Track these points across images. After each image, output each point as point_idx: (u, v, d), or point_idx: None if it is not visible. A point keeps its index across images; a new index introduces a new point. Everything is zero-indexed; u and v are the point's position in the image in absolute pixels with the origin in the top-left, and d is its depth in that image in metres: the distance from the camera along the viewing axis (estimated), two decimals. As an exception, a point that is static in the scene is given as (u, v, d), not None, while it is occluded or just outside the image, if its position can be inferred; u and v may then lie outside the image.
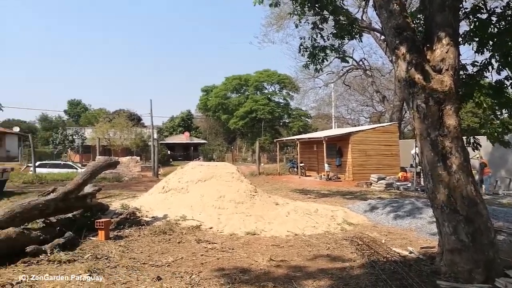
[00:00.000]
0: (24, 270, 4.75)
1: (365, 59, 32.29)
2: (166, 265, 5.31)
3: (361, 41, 9.65)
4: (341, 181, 20.26)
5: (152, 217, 8.32)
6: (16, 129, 51.08)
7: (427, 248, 6.38)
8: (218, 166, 10.88)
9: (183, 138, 53.63)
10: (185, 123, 60.34)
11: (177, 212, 8.51)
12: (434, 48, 4.92)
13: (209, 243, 6.60)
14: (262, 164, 30.28)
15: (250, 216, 8.39)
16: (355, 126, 37.09)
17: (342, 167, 21.04)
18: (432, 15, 5.03)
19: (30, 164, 25.31)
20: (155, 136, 32.91)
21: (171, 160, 44.83)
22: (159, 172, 24.96)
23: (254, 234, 7.39)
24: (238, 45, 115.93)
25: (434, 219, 5.20)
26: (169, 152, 49.08)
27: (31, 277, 4.48)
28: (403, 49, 4.86)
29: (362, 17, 24.75)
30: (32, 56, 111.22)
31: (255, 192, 9.84)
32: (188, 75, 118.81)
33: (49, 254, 5.30)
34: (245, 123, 51.86)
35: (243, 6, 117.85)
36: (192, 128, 60.56)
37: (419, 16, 6.52)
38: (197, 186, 9.61)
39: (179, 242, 6.63)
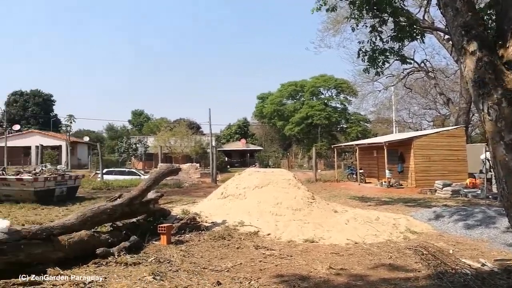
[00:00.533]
0: (95, 271, 5.04)
1: (427, 61, 30.83)
2: (226, 270, 5.37)
3: (423, 42, 9.24)
4: (403, 188, 19.39)
5: (211, 222, 8.49)
6: (86, 138, 54.91)
7: (503, 260, 5.88)
8: (275, 173, 10.89)
9: (239, 145, 54.49)
10: (242, 130, 61.29)
11: (235, 218, 8.61)
12: (507, 46, 4.56)
13: (267, 250, 6.59)
14: (319, 171, 29.87)
15: (308, 223, 8.27)
16: (417, 130, 35.41)
17: (404, 173, 20.15)
18: (504, 9, 4.67)
19: (98, 172, 27.03)
20: (213, 143, 33.71)
21: (228, 166, 45.68)
22: (217, 178, 25.51)
23: (313, 242, 7.27)
24: (293, 51, 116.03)
25: (510, 229, 4.79)
26: (226, 158, 50.02)
27: (101, 277, 4.74)
28: (471, 48, 4.55)
29: (423, 16, 23.70)
30: (99, 71, 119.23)
31: (313, 199, 9.71)
32: (245, 83, 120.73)
33: (116, 256, 5.58)
34: (301, 129, 51.56)
35: (295, 13, 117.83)
36: (248, 135, 61.37)
37: (489, 12, 6.11)
38: (254, 193, 9.67)
39: (237, 248, 6.69)
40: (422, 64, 30.44)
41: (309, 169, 35.93)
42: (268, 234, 7.71)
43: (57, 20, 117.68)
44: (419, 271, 5.38)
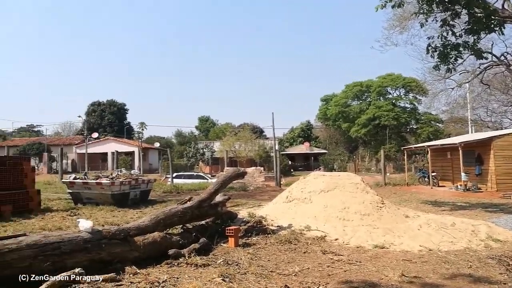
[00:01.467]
0: (167, 271, 5.26)
1: (507, 53, 28.32)
2: (293, 274, 5.34)
3: (503, 34, 8.50)
4: (481, 191, 17.97)
5: (277, 226, 8.50)
6: (157, 144, 57.87)
7: None
8: (341, 176, 10.64)
9: (303, 148, 54.17)
10: (305, 133, 60.88)
11: (301, 222, 8.55)
12: None
13: (335, 255, 6.45)
14: (387, 174, 28.71)
15: (377, 229, 7.97)
16: (497, 129, 32.67)
17: (482, 176, 18.68)
18: None
19: (168, 176, 28.30)
20: (277, 147, 33.84)
21: (292, 170, 45.57)
22: (281, 182, 25.54)
23: (383, 248, 6.99)
24: (356, 51, 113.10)
25: None
26: (290, 162, 49.95)
27: (174, 277, 4.94)
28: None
29: (503, 5, 21.88)
30: (168, 78, 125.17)
31: (382, 203, 9.34)
32: (307, 86, 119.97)
33: (187, 258, 5.77)
34: (368, 131, 49.96)
35: (358, 11, 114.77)
36: (312, 138, 60.79)
37: None
38: (320, 197, 9.52)
39: (304, 252, 6.63)
40: (502, 58, 27.98)
41: (377, 172, 34.68)
42: (336, 239, 7.54)
43: (130, 32, 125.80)
44: (504, 284, 4.95)
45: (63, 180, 16.55)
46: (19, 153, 41.30)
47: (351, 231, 7.87)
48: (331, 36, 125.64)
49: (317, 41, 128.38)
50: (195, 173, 32.20)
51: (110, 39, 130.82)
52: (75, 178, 13.67)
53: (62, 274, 4.14)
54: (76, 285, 4.32)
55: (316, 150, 54.77)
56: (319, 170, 36.44)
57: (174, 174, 26.69)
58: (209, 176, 30.90)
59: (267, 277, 5.15)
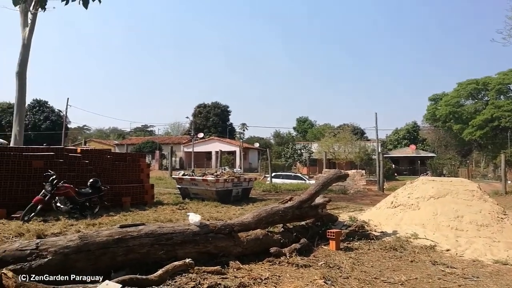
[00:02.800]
0: (269, 268, 5.35)
1: None
2: (399, 283, 5.03)
3: None
4: None
5: (381, 232, 8.11)
6: (256, 144, 59.62)
7: None
8: (454, 182, 9.74)
9: (408, 151, 50.93)
10: (411, 135, 57.19)
11: (407, 229, 8.04)
12: None
13: (447, 267, 5.91)
14: (508, 182, 25.53)
15: (498, 242, 7.12)
16: None
17: None
18: None
19: (267, 175, 28.93)
20: (379, 149, 32.36)
21: (395, 174, 43.21)
22: (384, 186, 24.37)
23: (506, 264, 6.21)
24: (468, 47, 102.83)
25: None
26: (393, 166, 47.41)
27: (275, 275, 5.00)
28: None
29: None
30: (268, 80, 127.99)
31: (504, 214, 8.32)
32: (413, 84, 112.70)
33: (288, 257, 5.80)
34: (484, 133, 45.09)
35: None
36: (419, 141, 56.83)
37: None
38: (429, 203, 8.83)
39: (411, 261, 6.21)
40: None
41: (496, 179, 31.11)
42: (447, 250, 6.92)
43: (232, 38, 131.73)
44: None
45: (173, 176, 17.96)
46: (136, 150, 45.91)
47: (466, 243, 7.16)
48: (441, 30, 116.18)
49: (425, 37, 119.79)
50: (293, 174, 32.44)
51: (213, 46, 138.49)
52: (183, 175, 14.70)
53: (175, 262, 4.45)
54: (186, 274, 4.63)
55: (423, 153, 51.04)
56: (426, 175, 33.95)
57: (273, 174, 27.16)
58: (307, 177, 30.86)
59: (371, 283, 4.93)
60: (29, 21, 14.86)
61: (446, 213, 8.27)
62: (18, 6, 14.44)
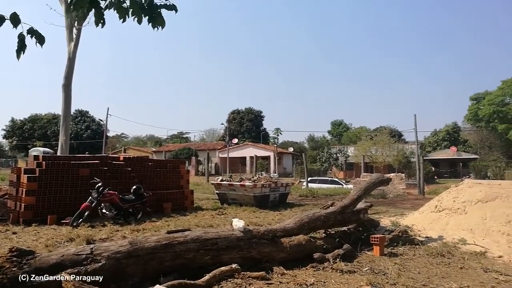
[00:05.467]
0: (313, 274, 5.31)
1: None
2: (450, 291, 4.86)
3: None
4: None
5: (426, 237, 7.87)
6: (291, 149, 59.43)
7: None
8: (503, 185, 9.30)
9: (449, 153, 49.15)
10: (451, 136, 55.20)
11: (454, 235, 7.75)
12: None
13: (501, 274, 5.64)
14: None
15: (556, 249, 6.73)
16: None
17: None
18: None
19: (302, 180, 28.73)
20: (418, 152, 31.44)
21: (435, 177, 41.79)
22: (424, 190, 23.63)
23: None
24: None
25: None
26: (433, 168, 45.87)
27: (320, 281, 4.96)
28: None
29: None
30: (301, 84, 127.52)
31: (561, 219, 7.85)
32: (453, 84, 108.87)
33: (331, 263, 5.74)
34: (532, 133, 42.88)
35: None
36: (460, 142, 54.72)
37: None
38: (477, 208, 8.47)
39: (461, 268, 5.97)
40: None
41: (545, 181, 29.38)
42: (500, 257, 6.61)
43: (264, 43, 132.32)
44: None
45: (211, 181, 18.19)
46: (173, 157, 46.90)
47: (520, 249, 6.81)
48: (482, 26, 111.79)
49: (465, 34, 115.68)
50: (329, 178, 32.03)
51: (247, 51, 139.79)
52: (221, 180, 14.87)
53: (222, 268, 4.52)
54: (231, 279, 4.68)
55: (464, 155, 49.08)
56: (469, 177, 32.60)
57: (309, 179, 26.93)
58: (344, 181, 30.39)
59: (420, 291, 4.79)
60: (74, 36, 15.58)
61: (496, 217, 7.90)
62: (64, 22, 15.21)
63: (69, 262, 3.92)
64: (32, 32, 3.38)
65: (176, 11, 3.56)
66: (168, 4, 3.53)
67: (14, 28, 3.19)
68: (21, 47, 3.35)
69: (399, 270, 5.66)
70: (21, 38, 3.33)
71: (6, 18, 3.17)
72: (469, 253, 6.79)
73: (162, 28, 3.62)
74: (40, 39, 3.41)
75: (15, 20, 3.16)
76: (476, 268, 5.98)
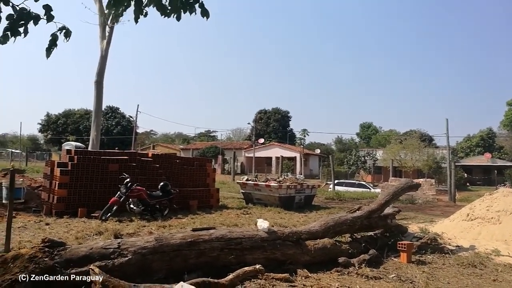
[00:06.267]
0: (338, 278, 5.23)
1: None
2: (482, 304, 4.67)
3: None
4: None
5: (456, 246, 7.61)
6: (317, 151, 58.89)
7: None
8: (541, 195, 8.90)
9: (483, 159, 47.46)
10: (485, 142, 53.31)
11: (487, 245, 7.47)
12: None
13: (536, 289, 5.39)
14: None
15: None
16: None
17: None
18: None
19: (329, 182, 28.39)
20: (450, 157, 30.50)
21: (467, 184, 40.44)
22: (455, 197, 22.90)
23: None
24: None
25: None
26: (465, 175, 44.38)
27: (345, 285, 4.88)
28: None
29: None
30: (329, 85, 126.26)
31: None
32: (487, 87, 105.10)
33: (357, 268, 5.64)
34: None
35: None
36: (495, 148, 52.76)
37: None
38: (512, 218, 8.14)
39: (494, 280, 5.74)
40: None
41: None
42: (535, 270, 6.32)
43: (293, 45, 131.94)
44: None
45: (237, 181, 18.26)
46: (200, 155, 47.38)
47: (558, 263, 6.48)
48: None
49: (500, 35, 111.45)
50: (356, 182, 31.53)
51: (275, 52, 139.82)
52: (247, 180, 14.89)
53: (245, 268, 4.51)
54: (255, 279, 4.66)
55: (500, 162, 47.21)
56: (505, 186, 31.36)
57: (335, 181, 26.58)
58: (371, 185, 29.85)
59: (449, 302, 4.63)
60: (107, 34, 15.97)
61: (533, 229, 7.57)
62: (98, 20, 15.63)
63: (97, 255, 4.01)
64: (63, 29, 3.47)
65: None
66: None
67: (48, 22, 3.27)
68: (51, 45, 3.44)
69: (427, 279, 5.50)
70: (53, 37, 3.42)
71: (42, 17, 3.27)
72: (503, 265, 6.53)
73: (207, 18, 3.65)
74: (67, 34, 3.50)
75: (49, 15, 3.25)
76: (510, 281, 5.74)
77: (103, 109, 25.75)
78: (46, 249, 3.77)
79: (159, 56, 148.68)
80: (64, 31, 3.44)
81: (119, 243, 4.30)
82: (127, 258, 4.15)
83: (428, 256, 6.93)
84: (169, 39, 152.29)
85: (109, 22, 15.87)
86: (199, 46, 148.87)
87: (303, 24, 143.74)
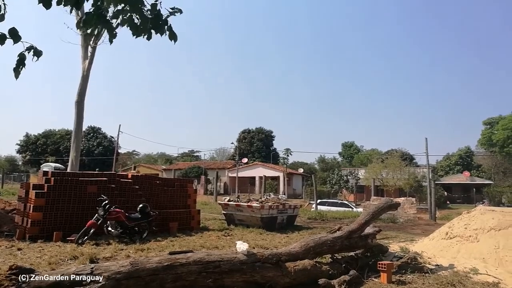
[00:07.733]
0: (318, 301, 5.17)
1: None
2: (460, 324, 4.66)
3: None
4: None
5: (436, 265, 7.63)
6: (300, 170, 59.04)
7: None
8: (517, 213, 9.05)
9: (462, 178, 48.35)
10: (464, 161, 54.48)
11: (465, 263, 7.49)
12: None
13: (514, 308, 5.43)
14: None
15: None
16: None
17: None
18: None
19: (312, 201, 28.40)
20: (430, 176, 30.99)
21: (447, 202, 41.02)
22: (436, 215, 23.16)
23: None
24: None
25: None
26: (445, 193, 45.04)
27: (324, 309, 4.81)
28: None
29: None
30: (311, 105, 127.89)
31: None
32: (465, 108, 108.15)
33: (337, 289, 5.59)
34: (547, 159, 42.08)
35: None
36: (473, 167, 53.89)
37: None
38: (489, 236, 8.22)
39: (472, 300, 5.76)
40: None
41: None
42: (513, 288, 6.37)
43: (280, 63, 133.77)
44: None
45: (218, 201, 18.08)
46: (182, 175, 46.94)
47: (535, 281, 6.55)
48: (493, 49, 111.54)
49: (477, 57, 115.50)
50: (339, 201, 31.64)
51: (257, 72, 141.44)
52: (229, 200, 14.76)
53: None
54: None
55: (478, 181, 48.19)
56: (483, 204, 31.93)
57: (318, 201, 26.62)
58: (354, 204, 29.99)
59: (429, 323, 4.61)
60: (89, 54, 15.91)
61: (510, 246, 7.65)
62: (80, 41, 15.59)
63: (68, 282, 3.88)
64: (31, 48, 3.44)
65: (181, 12, 3.63)
66: (174, 10, 3.58)
67: (15, 43, 3.24)
68: (19, 65, 3.40)
69: (408, 300, 5.48)
70: (21, 57, 3.39)
71: (7, 36, 3.23)
72: (481, 283, 6.55)
73: (175, 42, 3.67)
74: (37, 53, 3.47)
75: (15, 36, 3.22)
76: (488, 300, 5.76)
77: (84, 129, 25.42)
78: (13, 276, 3.62)
79: (141, 76, 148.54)
80: (32, 50, 3.40)
81: (92, 268, 4.17)
82: (100, 284, 4.02)
83: (408, 276, 6.92)
84: (150, 58, 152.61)
85: (91, 42, 15.83)
86: (182, 66, 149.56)
87: (286, 44, 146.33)
